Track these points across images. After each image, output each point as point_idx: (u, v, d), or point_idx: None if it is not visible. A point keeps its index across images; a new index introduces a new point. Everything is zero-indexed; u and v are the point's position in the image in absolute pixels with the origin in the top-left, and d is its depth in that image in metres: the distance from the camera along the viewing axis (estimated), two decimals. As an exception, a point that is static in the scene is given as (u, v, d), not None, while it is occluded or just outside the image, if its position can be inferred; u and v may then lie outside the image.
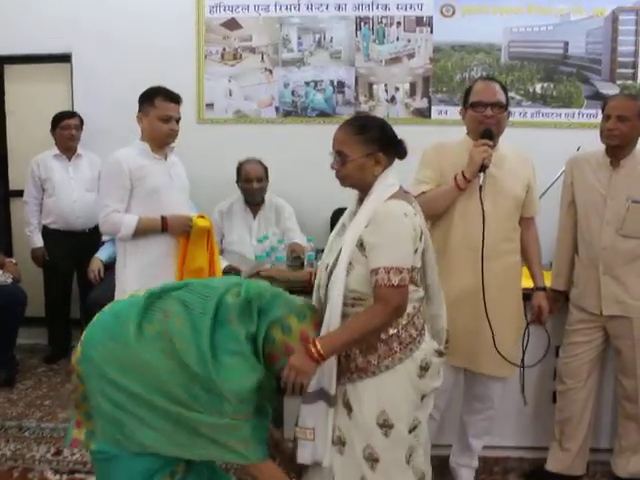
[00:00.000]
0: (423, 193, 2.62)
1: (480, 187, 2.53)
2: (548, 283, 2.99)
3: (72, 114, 4.54)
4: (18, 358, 4.39)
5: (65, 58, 4.81)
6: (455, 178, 2.58)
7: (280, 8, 4.61)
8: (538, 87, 4.51)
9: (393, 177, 2.11)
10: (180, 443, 2.03)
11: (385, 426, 2.03)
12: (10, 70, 5.05)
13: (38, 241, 4.52)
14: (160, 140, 3.15)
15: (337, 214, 3.71)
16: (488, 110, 2.59)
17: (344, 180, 2.12)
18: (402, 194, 2.11)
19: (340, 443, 2.07)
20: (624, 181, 2.79)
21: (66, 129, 4.47)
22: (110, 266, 4.24)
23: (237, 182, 4.14)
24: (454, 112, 4.45)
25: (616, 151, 2.80)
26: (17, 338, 4.22)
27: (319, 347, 1.94)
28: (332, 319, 2.01)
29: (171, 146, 3.24)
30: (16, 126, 5.07)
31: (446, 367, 2.42)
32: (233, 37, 4.66)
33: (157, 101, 3.08)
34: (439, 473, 2.96)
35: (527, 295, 2.86)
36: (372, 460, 2.04)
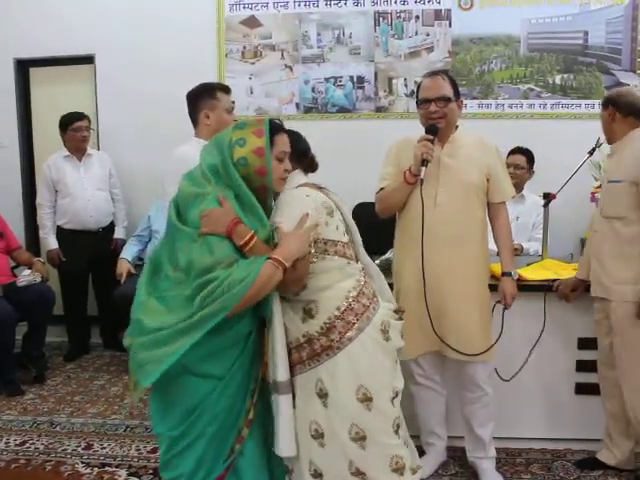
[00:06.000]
0: (382, 189, 2.75)
1: (422, 181, 2.58)
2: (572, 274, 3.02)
3: (82, 115, 4.55)
4: (47, 356, 4.49)
5: (88, 60, 4.91)
6: (405, 173, 2.64)
7: (299, 4, 4.67)
8: (558, 78, 4.49)
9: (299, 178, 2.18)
10: None
11: (366, 400, 2.04)
12: (35, 73, 5.15)
13: (53, 243, 4.61)
14: None
15: (358, 209, 3.72)
16: (432, 105, 2.64)
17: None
18: (312, 185, 2.18)
19: (320, 436, 2.07)
20: (613, 166, 2.81)
21: (78, 131, 4.51)
22: (136, 265, 4.34)
23: None
24: (473, 105, 4.48)
25: (607, 139, 2.86)
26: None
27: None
28: None
29: None
30: (42, 132, 5.17)
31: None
32: (253, 35, 4.73)
33: (219, 94, 3.01)
34: (461, 465, 3.00)
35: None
36: (360, 439, 2.04)
